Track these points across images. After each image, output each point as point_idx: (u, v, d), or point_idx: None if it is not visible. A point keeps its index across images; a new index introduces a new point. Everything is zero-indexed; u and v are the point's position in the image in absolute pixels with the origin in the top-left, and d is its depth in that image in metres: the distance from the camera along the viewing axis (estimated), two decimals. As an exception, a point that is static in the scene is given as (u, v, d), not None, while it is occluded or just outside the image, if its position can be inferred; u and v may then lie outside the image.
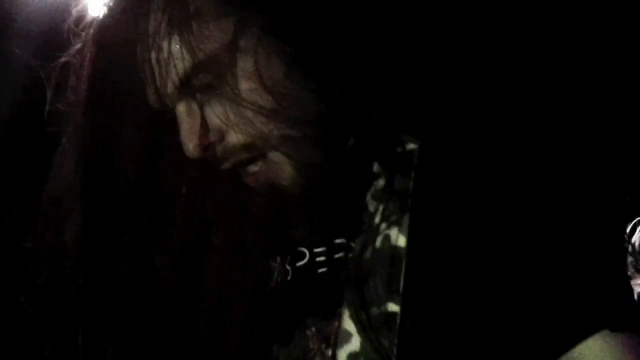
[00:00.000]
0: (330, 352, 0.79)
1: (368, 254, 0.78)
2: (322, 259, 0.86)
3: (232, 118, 0.81)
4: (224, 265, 0.96)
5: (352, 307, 0.76)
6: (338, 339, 0.77)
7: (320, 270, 0.86)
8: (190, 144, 0.83)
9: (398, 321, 0.74)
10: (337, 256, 0.85)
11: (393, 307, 0.75)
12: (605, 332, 0.72)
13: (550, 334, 0.73)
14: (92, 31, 0.86)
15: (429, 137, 0.82)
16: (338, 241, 0.85)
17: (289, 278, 0.88)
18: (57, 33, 0.91)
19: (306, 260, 0.88)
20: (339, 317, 0.76)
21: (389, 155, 0.82)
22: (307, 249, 0.88)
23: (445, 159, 0.80)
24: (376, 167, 0.84)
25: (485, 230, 0.75)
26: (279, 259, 0.90)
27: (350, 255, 0.81)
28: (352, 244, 0.81)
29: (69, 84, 0.90)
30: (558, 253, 0.74)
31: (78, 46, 0.87)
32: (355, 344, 0.75)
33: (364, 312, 0.75)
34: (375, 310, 0.75)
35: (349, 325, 0.76)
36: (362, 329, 0.75)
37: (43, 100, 0.91)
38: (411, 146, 0.82)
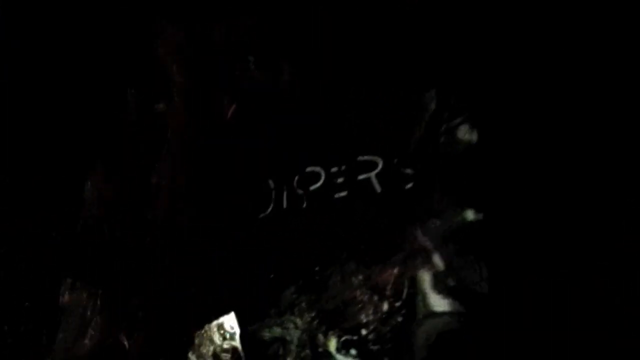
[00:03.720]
0: (386, 306, 0.65)
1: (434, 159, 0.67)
2: (341, 179, 0.68)
3: None
4: None
5: (424, 220, 0.64)
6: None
7: (338, 195, 0.68)
8: None
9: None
10: (360, 177, 0.66)
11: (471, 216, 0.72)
12: None
13: None
14: None
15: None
16: (362, 158, 0.66)
17: (303, 205, 0.69)
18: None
19: (321, 182, 0.69)
20: (397, 263, 0.61)
21: None
22: (322, 167, 0.69)
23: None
24: None
25: None
26: (273, 181, 0.72)
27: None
28: (380, 160, 0.64)
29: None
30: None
31: None
32: (438, 262, 0.63)
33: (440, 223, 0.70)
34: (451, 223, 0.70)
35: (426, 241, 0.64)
36: (442, 242, 0.62)
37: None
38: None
